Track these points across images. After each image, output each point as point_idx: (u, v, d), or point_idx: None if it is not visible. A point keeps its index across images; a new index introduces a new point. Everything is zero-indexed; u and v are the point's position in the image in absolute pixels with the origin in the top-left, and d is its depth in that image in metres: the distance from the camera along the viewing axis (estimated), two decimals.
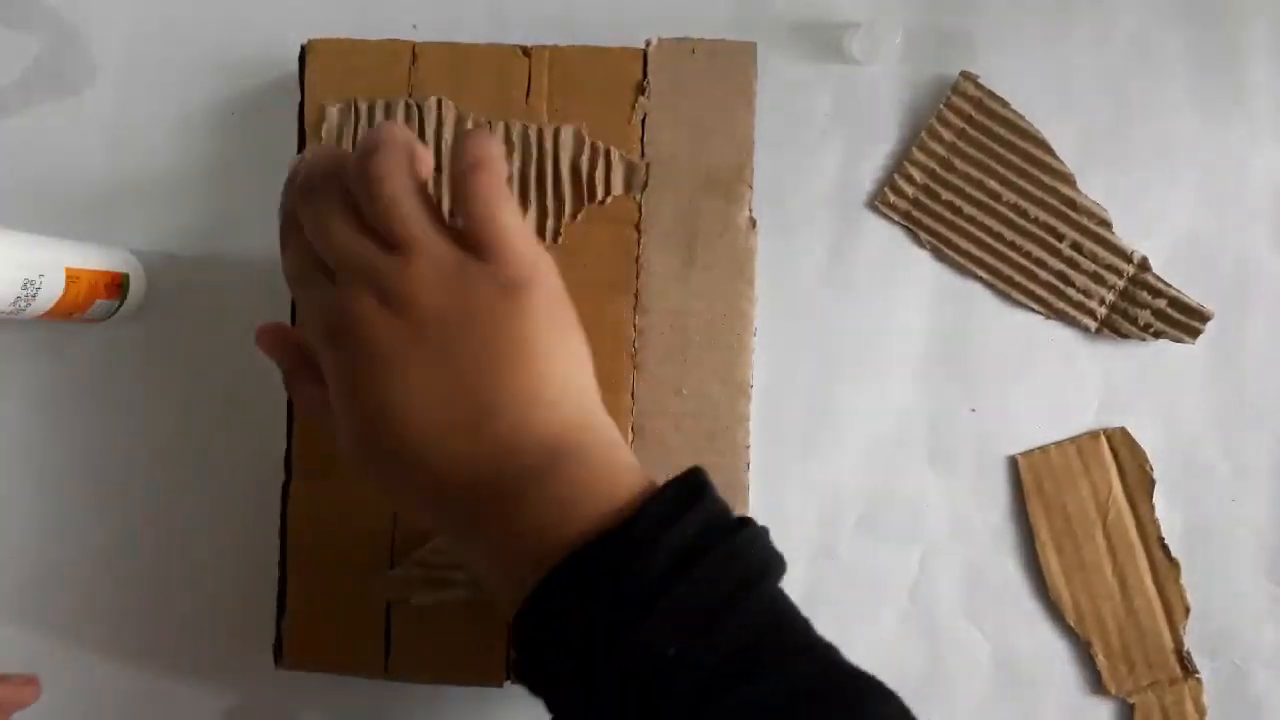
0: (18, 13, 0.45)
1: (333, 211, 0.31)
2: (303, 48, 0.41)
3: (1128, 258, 0.43)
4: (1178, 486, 0.43)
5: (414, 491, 0.31)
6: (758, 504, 0.41)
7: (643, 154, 0.40)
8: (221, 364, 0.44)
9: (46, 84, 0.45)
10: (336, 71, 0.40)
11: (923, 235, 0.44)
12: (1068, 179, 0.43)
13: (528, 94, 0.40)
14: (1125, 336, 0.43)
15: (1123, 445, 0.43)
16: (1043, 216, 0.43)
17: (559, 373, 0.31)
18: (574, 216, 0.40)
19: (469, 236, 0.31)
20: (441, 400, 0.30)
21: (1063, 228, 0.43)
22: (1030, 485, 0.43)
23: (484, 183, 0.31)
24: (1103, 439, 0.44)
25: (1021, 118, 0.43)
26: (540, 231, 0.40)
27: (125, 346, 0.44)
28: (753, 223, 0.40)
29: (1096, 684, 0.43)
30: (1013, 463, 0.44)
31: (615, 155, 0.40)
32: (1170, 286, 0.43)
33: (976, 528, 0.44)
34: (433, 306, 0.30)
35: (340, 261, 0.31)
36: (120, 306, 0.42)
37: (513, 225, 0.31)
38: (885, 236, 0.44)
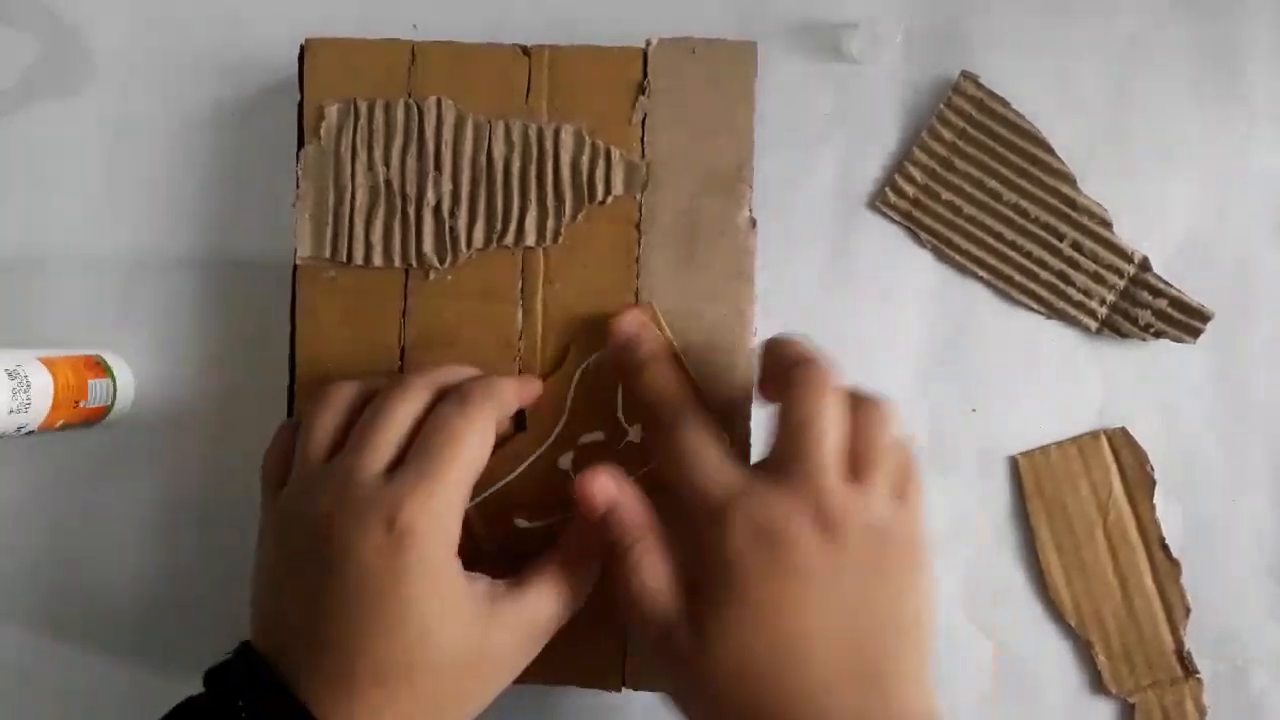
0: (18, 12, 0.45)
1: (839, 416, 0.32)
2: (302, 47, 0.41)
3: (1128, 258, 0.43)
4: (1178, 487, 0.43)
5: None
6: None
7: (643, 154, 0.40)
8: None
9: (46, 83, 0.45)
10: (336, 71, 0.40)
11: (923, 235, 0.44)
12: (1068, 179, 0.43)
13: (528, 94, 0.40)
14: (1126, 336, 0.43)
15: (1123, 445, 0.43)
16: (1043, 216, 0.43)
17: (930, 655, 0.31)
18: (574, 216, 0.40)
19: (898, 474, 0.32)
20: (841, 651, 0.30)
21: (1063, 228, 0.43)
22: (1031, 485, 0.43)
23: (909, 447, 0.33)
24: (1103, 439, 0.43)
25: (1022, 117, 0.43)
26: (541, 231, 0.40)
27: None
28: (753, 222, 0.40)
29: (1097, 684, 0.43)
30: (1013, 463, 0.44)
31: (615, 155, 0.40)
32: (1171, 286, 0.43)
33: (977, 528, 0.44)
34: (858, 550, 0.30)
35: (803, 463, 0.31)
36: (115, 386, 0.42)
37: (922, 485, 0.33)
38: (886, 236, 0.44)
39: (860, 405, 0.33)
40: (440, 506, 0.32)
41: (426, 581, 0.31)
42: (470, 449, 0.33)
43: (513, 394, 0.36)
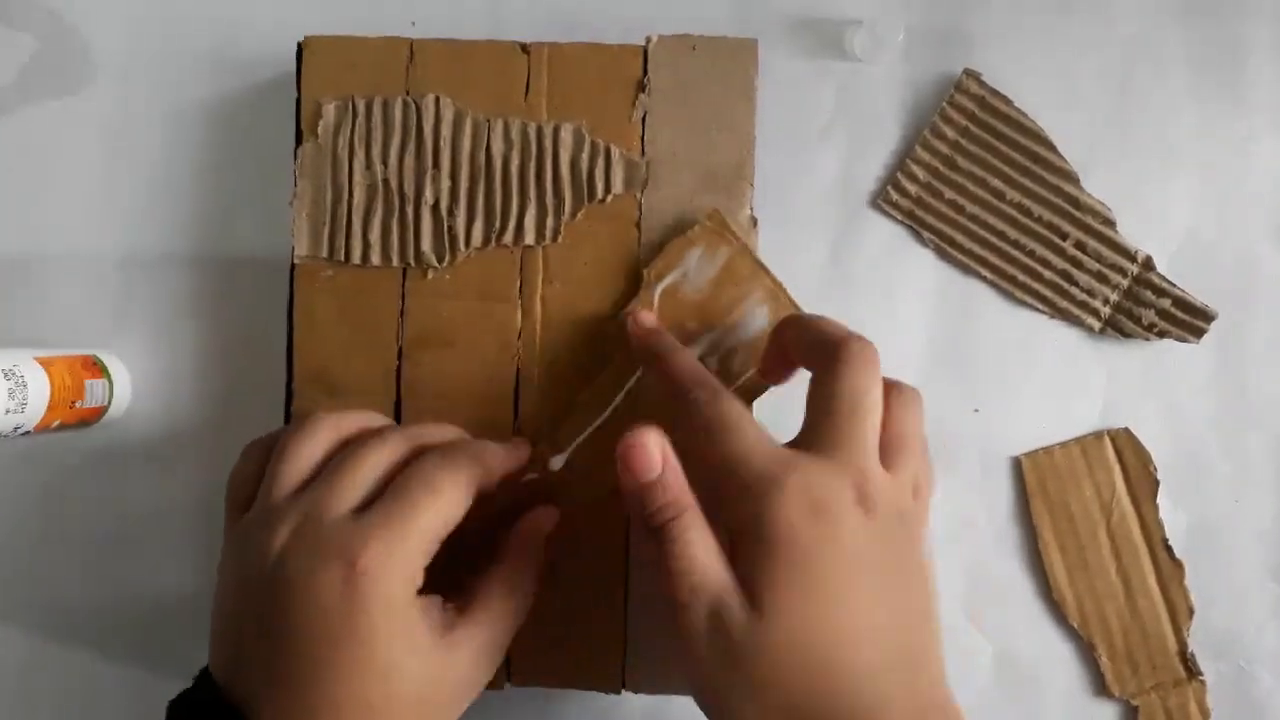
0: (16, 11, 0.45)
1: (880, 398, 0.33)
2: (300, 45, 0.40)
3: (1132, 257, 0.43)
4: (1182, 487, 0.43)
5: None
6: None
7: (643, 152, 0.40)
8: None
9: (45, 82, 0.45)
10: (334, 68, 0.40)
11: (925, 234, 0.43)
12: (1071, 178, 0.43)
13: (527, 91, 0.40)
14: (1129, 336, 0.43)
15: (1126, 446, 0.43)
16: (1046, 215, 0.43)
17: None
18: (574, 215, 0.40)
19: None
20: (888, 634, 0.30)
21: (1066, 227, 0.43)
22: (1034, 486, 0.43)
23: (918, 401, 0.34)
24: (1106, 439, 0.43)
25: (1025, 116, 0.43)
26: (540, 230, 0.39)
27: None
28: (754, 221, 0.40)
29: (1100, 685, 0.43)
30: (1016, 463, 0.43)
31: (615, 153, 0.39)
32: (1174, 286, 0.43)
33: (980, 528, 0.43)
34: (891, 534, 0.31)
35: (848, 443, 0.31)
36: (112, 386, 0.42)
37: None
38: (888, 235, 0.44)
39: (897, 392, 0.34)
40: (408, 551, 0.31)
41: (387, 622, 0.30)
42: (446, 502, 0.32)
43: (499, 461, 0.35)
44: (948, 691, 0.31)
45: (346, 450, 0.34)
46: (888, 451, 0.32)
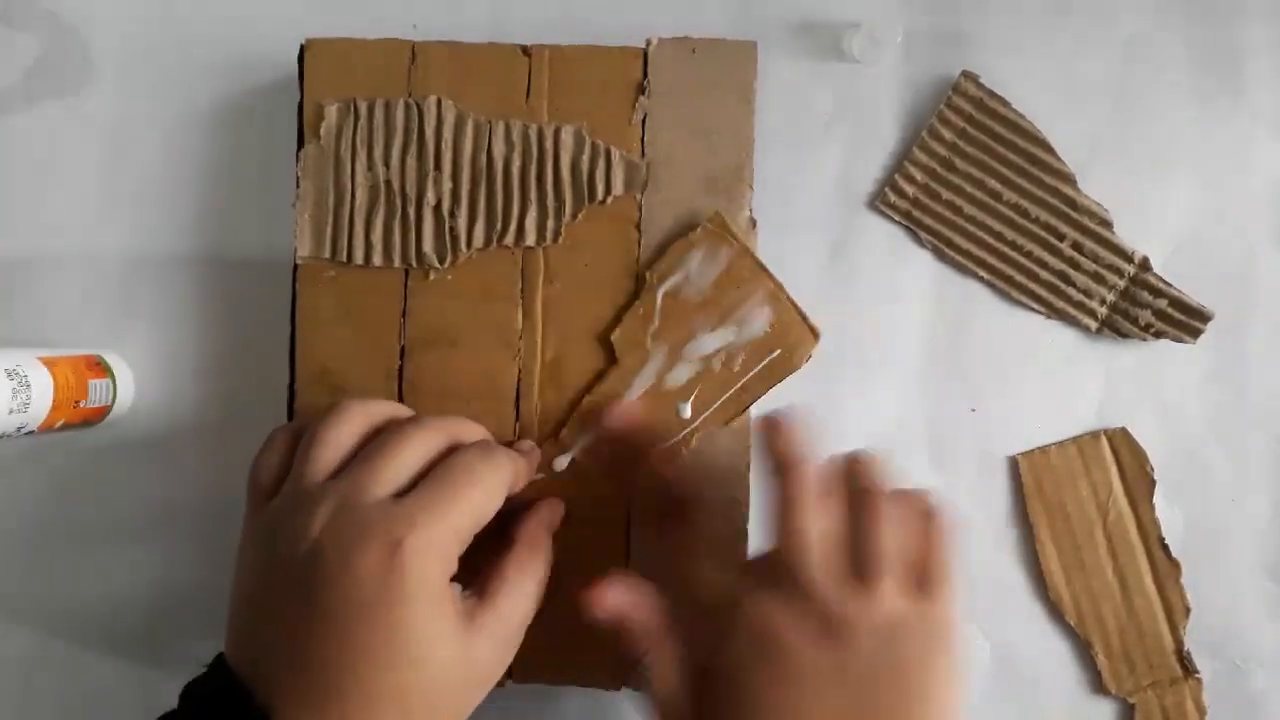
0: (17, 12, 0.45)
1: (822, 523, 0.31)
2: (302, 47, 0.41)
3: (1128, 258, 0.43)
4: (1178, 487, 0.43)
5: None
6: (759, 503, 0.41)
7: (643, 153, 0.40)
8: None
9: (46, 83, 0.45)
10: (336, 71, 0.40)
11: (923, 235, 0.44)
12: (1069, 179, 0.43)
13: (528, 93, 0.40)
14: (1126, 336, 0.43)
15: (1123, 445, 0.43)
16: (1043, 216, 0.43)
17: None
18: (574, 216, 0.40)
19: (915, 571, 0.31)
20: None
21: (1063, 228, 0.43)
22: (1031, 485, 0.43)
23: (944, 531, 0.32)
24: (1103, 439, 0.43)
25: (1022, 117, 0.43)
26: (540, 231, 0.40)
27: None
28: (753, 222, 0.40)
29: (1097, 684, 0.43)
30: (1013, 463, 0.44)
31: (616, 155, 0.40)
32: (1171, 286, 0.43)
33: (977, 528, 0.44)
34: (866, 653, 0.30)
35: (796, 573, 0.31)
36: (115, 386, 0.42)
37: (954, 571, 0.32)
38: (886, 236, 0.44)
39: (860, 501, 0.32)
40: (447, 537, 0.31)
41: (423, 605, 0.31)
42: (485, 495, 0.33)
43: (526, 467, 0.36)
44: None
45: (385, 435, 0.34)
46: (859, 565, 0.31)
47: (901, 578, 0.32)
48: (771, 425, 0.34)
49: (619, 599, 0.33)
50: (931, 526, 0.33)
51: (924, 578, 0.32)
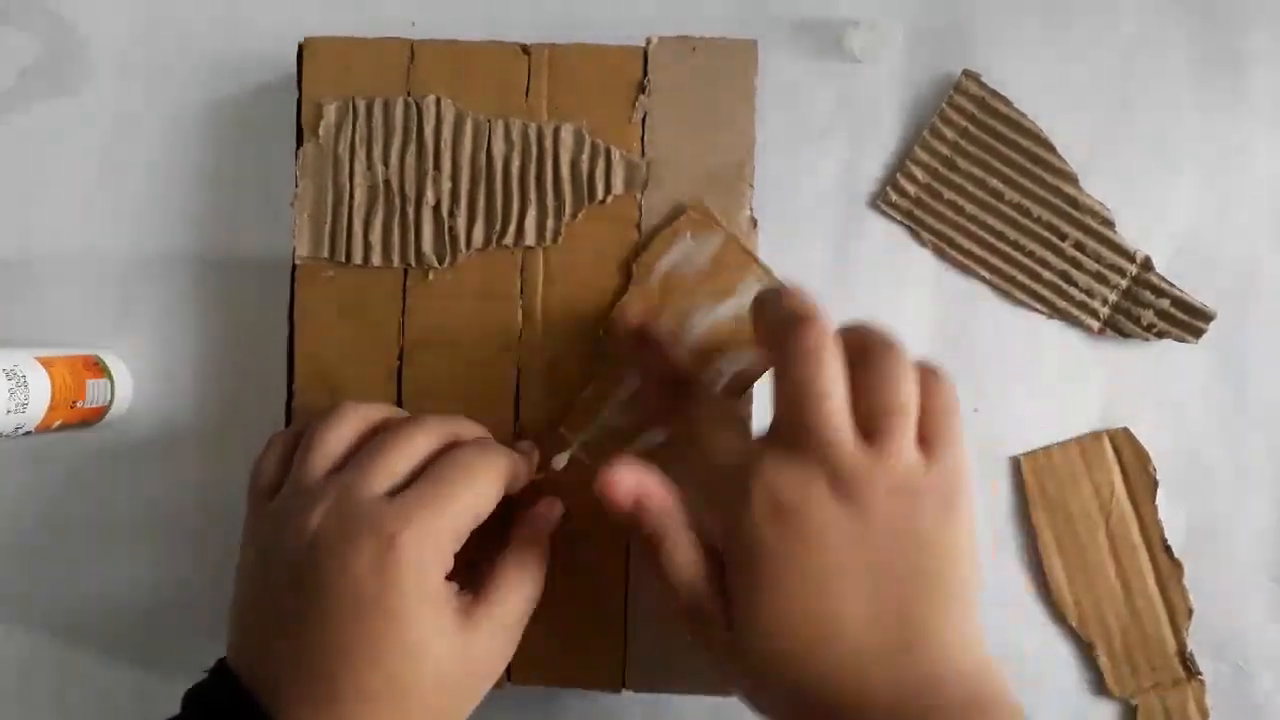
0: (16, 12, 0.45)
1: (838, 377, 0.30)
2: (300, 46, 0.40)
3: (1131, 257, 0.43)
4: (1181, 487, 0.43)
5: (801, 711, 0.30)
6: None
7: (643, 153, 0.40)
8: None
9: (45, 83, 0.45)
10: (334, 70, 0.40)
11: (925, 235, 0.44)
12: (1071, 178, 0.43)
13: (527, 93, 0.40)
14: (1128, 337, 0.43)
15: (1125, 446, 0.43)
16: (1045, 216, 0.43)
17: (975, 605, 0.30)
18: (574, 216, 0.40)
19: (922, 431, 0.30)
20: (872, 620, 0.29)
21: (1066, 227, 0.43)
22: (1033, 486, 0.43)
23: (947, 390, 0.31)
24: (1105, 440, 0.43)
25: (1024, 116, 0.43)
26: (541, 231, 0.40)
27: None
28: (754, 222, 0.40)
29: (1099, 685, 0.43)
30: (1015, 463, 0.43)
31: (615, 154, 0.40)
32: (1173, 286, 0.43)
33: (979, 528, 0.43)
34: (884, 513, 0.29)
35: (809, 433, 0.30)
36: (113, 386, 0.42)
37: (961, 428, 0.31)
38: (887, 236, 0.44)
39: (866, 359, 0.31)
40: (442, 533, 0.31)
41: (418, 601, 0.30)
42: (481, 491, 0.32)
43: (524, 465, 0.36)
44: (972, 656, 0.30)
45: (384, 434, 0.34)
46: (869, 425, 0.30)
47: (914, 438, 0.31)
48: (774, 291, 0.33)
49: (636, 479, 0.32)
50: (936, 386, 0.31)
51: (933, 437, 0.31)
